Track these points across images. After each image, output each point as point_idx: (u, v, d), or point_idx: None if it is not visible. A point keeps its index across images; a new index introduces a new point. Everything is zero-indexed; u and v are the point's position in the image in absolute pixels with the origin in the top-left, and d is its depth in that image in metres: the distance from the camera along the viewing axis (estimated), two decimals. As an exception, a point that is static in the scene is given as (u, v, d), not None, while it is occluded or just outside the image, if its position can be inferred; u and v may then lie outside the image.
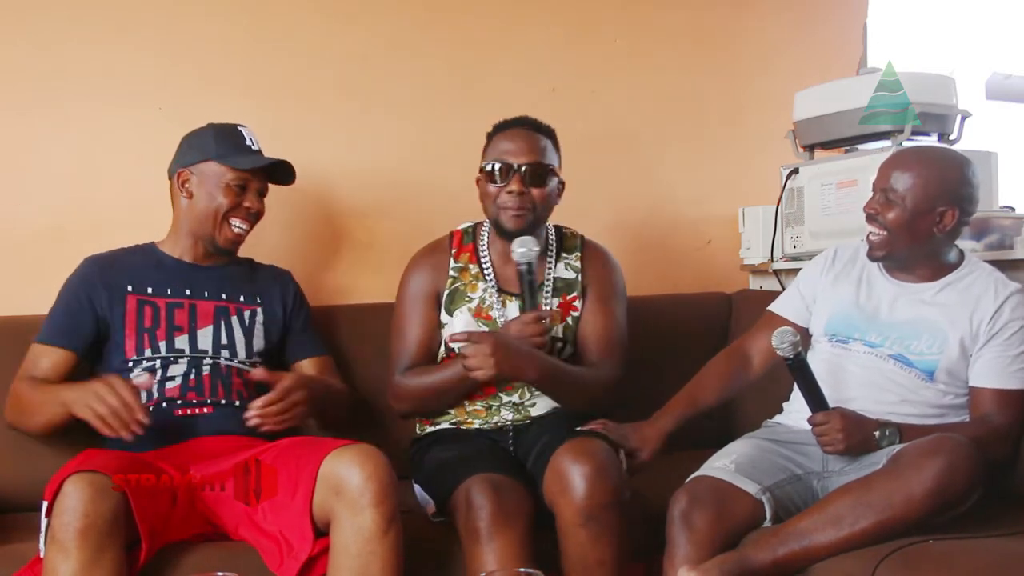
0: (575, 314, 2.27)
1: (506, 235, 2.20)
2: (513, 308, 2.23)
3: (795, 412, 2.17)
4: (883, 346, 2.11)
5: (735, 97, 3.16)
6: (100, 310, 2.14)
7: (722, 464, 2.02)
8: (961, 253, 2.18)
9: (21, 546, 1.85)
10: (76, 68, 2.47)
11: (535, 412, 2.22)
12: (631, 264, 2.99)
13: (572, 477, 1.91)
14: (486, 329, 2.14)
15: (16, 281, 2.42)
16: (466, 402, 2.22)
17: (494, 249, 2.28)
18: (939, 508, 1.78)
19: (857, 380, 2.11)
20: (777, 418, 2.25)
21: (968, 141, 2.68)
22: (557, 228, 2.35)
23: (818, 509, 1.85)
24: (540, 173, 2.18)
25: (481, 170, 2.23)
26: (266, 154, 2.26)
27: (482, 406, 2.22)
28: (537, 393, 2.20)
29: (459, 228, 2.34)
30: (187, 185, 2.20)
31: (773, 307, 2.33)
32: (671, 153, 3.11)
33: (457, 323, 2.08)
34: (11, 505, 2.13)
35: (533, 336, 2.06)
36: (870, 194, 2.15)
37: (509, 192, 2.16)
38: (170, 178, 2.24)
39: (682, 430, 2.18)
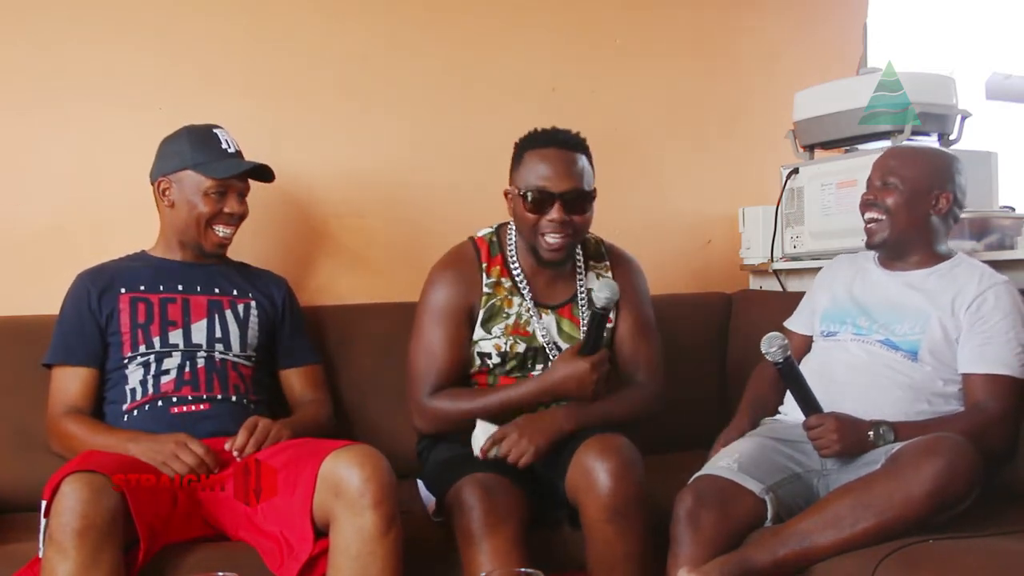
0: (608, 325, 2.19)
1: (544, 264, 2.15)
2: (550, 321, 2.18)
3: (793, 411, 2.17)
4: (870, 332, 2.15)
5: (735, 97, 3.16)
6: (99, 317, 2.14)
7: (726, 463, 2.02)
8: (953, 251, 2.23)
9: (21, 546, 1.85)
10: (76, 68, 2.46)
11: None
12: (631, 264, 3.00)
13: (596, 473, 1.92)
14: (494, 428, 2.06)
15: (16, 281, 2.42)
16: None
17: (524, 261, 2.19)
18: (938, 508, 1.78)
19: (847, 368, 2.14)
20: (777, 416, 2.25)
21: (968, 141, 2.68)
22: None
23: (818, 510, 1.85)
24: (580, 200, 2.09)
25: (515, 194, 2.12)
26: (261, 153, 2.26)
27: None
28: None
29: (481, 236, 2.23)
30: (168, 194, 2.19)
31: (787, 323, 2.37)
32: (671, 153, 3.10)
33: (479, 433, 2.04)
34: (11, 505, 2.13)
35: (594, 382, 2.03)
36: (868, 193, 2.19)
37: (550, 220, 2.07)
38: (152, 183, 2.23)
39: (684, 430, 2.19)
